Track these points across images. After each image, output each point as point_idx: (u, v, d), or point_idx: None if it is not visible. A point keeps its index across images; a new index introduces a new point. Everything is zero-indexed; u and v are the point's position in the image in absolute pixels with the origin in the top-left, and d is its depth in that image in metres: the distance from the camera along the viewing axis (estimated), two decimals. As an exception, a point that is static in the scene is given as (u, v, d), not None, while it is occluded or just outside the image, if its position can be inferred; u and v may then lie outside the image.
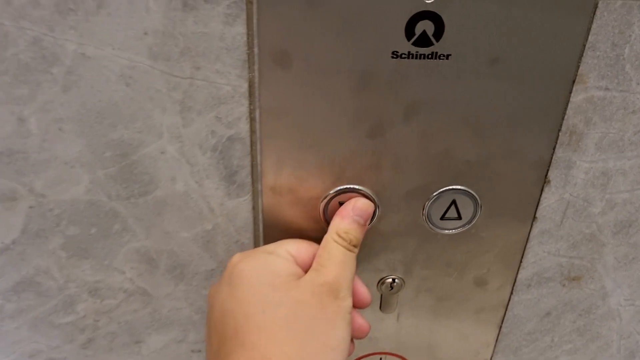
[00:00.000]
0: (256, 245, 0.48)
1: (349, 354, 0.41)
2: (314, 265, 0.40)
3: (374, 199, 0.45)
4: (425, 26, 0.39)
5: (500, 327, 0.55)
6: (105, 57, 0.39)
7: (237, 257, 0.40)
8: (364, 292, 0.43)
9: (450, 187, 0.45)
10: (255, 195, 0.46)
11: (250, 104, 0.41)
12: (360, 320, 0.43)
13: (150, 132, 0.42)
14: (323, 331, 0.36)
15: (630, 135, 0.44)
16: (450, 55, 0.40)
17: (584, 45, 0.40)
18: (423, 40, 0.39)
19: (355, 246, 0.41)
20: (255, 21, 0.38)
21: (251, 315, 0.36)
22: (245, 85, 0.41)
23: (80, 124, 0.41)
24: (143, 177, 0.44)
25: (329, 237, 0.41)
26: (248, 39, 0.39)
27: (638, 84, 0.42)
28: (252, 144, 0.43)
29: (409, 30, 0.39)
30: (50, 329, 0.52)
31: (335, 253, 0.40)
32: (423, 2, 0.37)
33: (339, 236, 0.41)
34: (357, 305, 0.43)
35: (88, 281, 0.49)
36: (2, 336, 0.52)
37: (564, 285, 0.52)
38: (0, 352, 0.53)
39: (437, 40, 0.39)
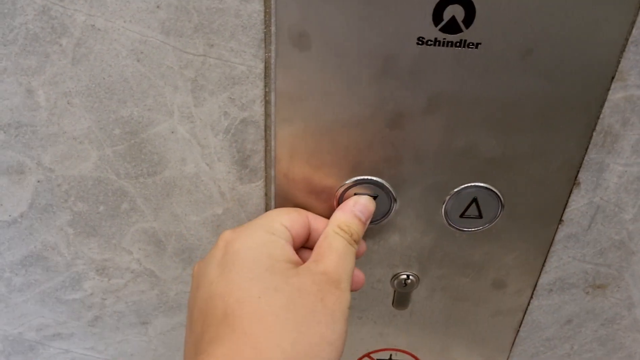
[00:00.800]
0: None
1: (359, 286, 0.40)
2: (313, 256, 0.38)
3: (391, 193, 0.43)
4: (455, 11, 0.36)
5: (518, 331, 0.52)
6: (116, 29, 0.37)
7: (229, 234, 0.38)
8: (357, 273, 0.41)
9: (472, 184, 0.43)
10: (268, 181, 0.44)
11: (265, 86, 0.39)
12: (358, 274, 0.41)
13: (161, 111, 0.40)
14: (322, 323, 0.34)
15: (670, 139, 0.41)
16: (480, 44, 0.37)
17: (627, 40, 0.37)
18: (452, 27, 0.36)
19: (355, 241, 0.39)
20: (273, -2, 0.36)
21: (245, 300, 0.33)
22: (261, 66, 0.39)
23: (90, 98, 0.40)
24: (152, 156, 0.42)
25: (330, 229, 0.39)
26: (265, 16, 0.37)
27: (683, 84, 0.39)
28: (267, 128, 0.41)
29: (437, 15, 0.36)
30: (57, 305, 0.51)
31: (336, 244, 0.38)
32: (454, -15, 0.35)
33: (341, 229, 0.39)
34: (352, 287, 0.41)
35: (96, 259, 0.48)
36: (10, 309, 0.51)
37: (587, 293, 0.50)
38: (7, 324, 0.52)
39: (467, 27, 0.36)
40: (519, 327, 0.52)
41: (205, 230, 0.46)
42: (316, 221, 0.41)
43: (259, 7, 0.36)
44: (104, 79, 0.39)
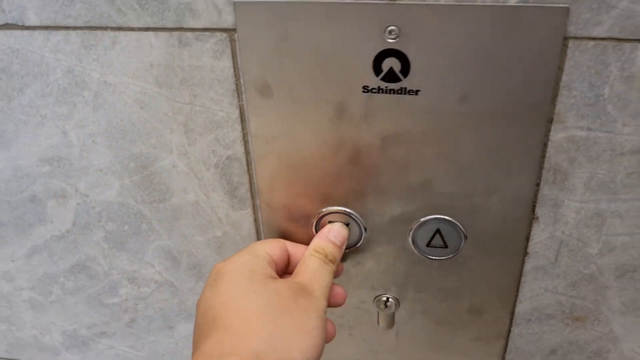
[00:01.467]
0: (261, 253, 0.53)
1: (329, 338, 0.45)
2: (293, 274, 0.44)
3: (360, 222, 0.48)
4: (392, 63, 0.41)
5: (504, 357, 0.54)
6: (122, 84, 0.46)
7: (219, 264, 0.45)
8: (339, 291, 0.46)
9: (434, 216, 0.47)
10: (256, 209, 0.50)
11: (242, 129, 0.46)
12: (338, 289, 0.47)
13: (163, 149, 0.49)
14: (295, 318, 0.39)
15: (622, 178, 0.42)
16: (419, 90, 0.41)
17: (558, 85, 0.40)
18: (391, 76, 0.41)
19: (331, 261, 0.45)
20: (238, 56, 0.43)
21: (228, 304, 0.40)
22: (237, 112, 0.46)
23: (109, 138, 0.49)
24: (161, 186, 0.51)
25: (307, 252, 0.45)
26: (234, 71, 0.44)
27: (624, 125, 0.40)
28: (248, 163, 0.48)
29: (377, 67, 0.41)
30: (100, 307, 0.61)
31: (310, 263, 0.44)
32: (386, 41, 0.40)
33: (316, 251, 0.45)
34: (332, 301, 0.46)
35: (127, 270, 0.57)
36: (66, 308, 0.62)
37: (567, 324, 0.51)
38: (65, 321, 0.63)
39: (405, 77, 0.41)
40: (504, 353, 0.54)
41: (210, 250, 0.54)
42: (295, 248, 0.47)
43: (228, 63, 0.44)
44: (117, 123, 0.48)
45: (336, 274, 0.48)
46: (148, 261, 0.56)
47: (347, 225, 0.48)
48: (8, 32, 0.45)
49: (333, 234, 0.47)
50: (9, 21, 0.45)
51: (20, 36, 0.45)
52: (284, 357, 0.37)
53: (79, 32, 0.44)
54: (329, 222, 0.49)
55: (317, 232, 0.49)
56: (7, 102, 0.49)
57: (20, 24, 0.45)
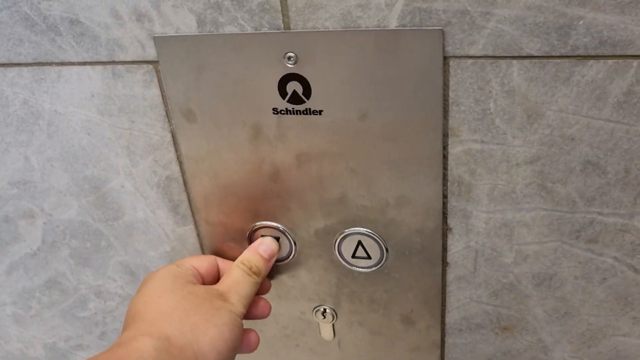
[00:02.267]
0: (208, 267, 0.56)
1: (252, 347, 0.49)
2: (217, 283, 0.48)
3: (289, 235, 0.51)
4: (295, 86, 0.44)
5: (441, 368, 0.55)
6: (70, 112, 0.51)
7: (148, 275, 0.49)
8: (263, 303, 0.50)
9: (354, 229, 0.49)
10: (197, 225, 0.54)
11: (176, 151, 0.50)
12: (262, 302, 0.50)
13: (111, 171, 0.53)
14: (208, 313, 0.43)
15: (522, 188, 0.44)
16: (322, 110, 0.45)
17: (447, 101, 0.42)
18: (295, 98, 0.45)
19: (255, 273, 0.48)
20: (163, 85, 0.47)
21: (148, 302, 0.44)
22: (169, 136, 0.50)
23: (64, 162, 0.54)
24: (113, 205, 0.55)
25: (234, 264, 0.49)
26: (163, 99, 0.48)
27: (514, 137, 0.42)
28: (185, 182, 0.52)
29: (282, 90, 0.44)
30: (74, 320, 0.65)
31: (233, 274, 0.47)
32: (286, 66, 0.43)
33: (242, 262, 0.48)
34: (257, 313, 0.50)
35: (92, 285, 0.62)
36: (45, 322, 0.67)
37: (497, 334, 0.52)
38: (44, 334, 0.68)
39: (308, 98, 0.44)
40: (442, 364, 0.55)
41: (163, 264, 0.58)
42: (225, 264, 0.51)
43: (157, 92, 0.48)
44: (69, 148, 0.53)
45: (263, 290, 0.52)
46: (110, 276, 0.60)
47: (278, 239, 0.51)
48: (-29, 70, 0.51)
49: (262, 248, 0.50)
50: (-29, 60, 0.51)
51: (-19, 73, 0.51)
52: (192, 342, 0.41)
53: (30, 67, 0.50)
54: (261, 236, 0.52)
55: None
56: (-23, 132, 0.55)
57: (-20, 62, 0.51)
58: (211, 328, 0.42)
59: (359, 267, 0.51)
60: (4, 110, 0.53)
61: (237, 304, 0.45)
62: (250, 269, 0.48)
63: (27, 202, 0.58)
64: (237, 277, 0.47)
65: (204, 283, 0.49)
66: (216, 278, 0.50)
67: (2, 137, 0.54)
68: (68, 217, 0.58)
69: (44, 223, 0.59)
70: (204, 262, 0.50)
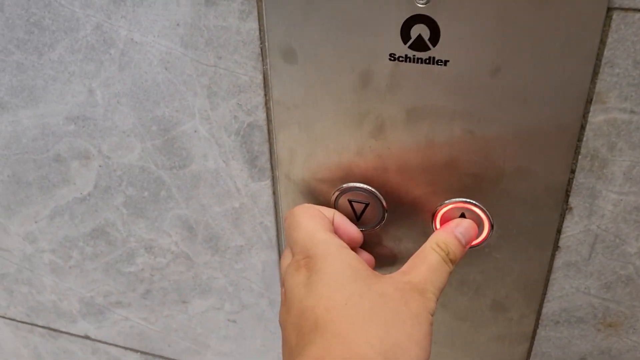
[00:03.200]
0: (279, 229, 0.51)
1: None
2: (404, 267, 0.40)
3: (381, 200, 0.46)
4: (421, 30, 0.39)
5: (527, 361, 0.51)
6: (148, 42, 0.45)
7: (309, 256, 0.40)
8: (367, 257, 0.45)
9: (458, 199, 0.44)
10: (275, 181, 0.49)
11: (265, 95, 0.45)
12: (366, 255, 0.45)
13: (185, 112, 0.48)
14: (407, 323, 0.35)
15: (666, 168, 0.39)
16: (448, 61, 0.39)
17: (600, 61, 0.37)
18: (419, 44, 0.39)
19: (452, 261, 0.41)
20: (264, 18, 0.42)
21: (333, 308, 0.36)
22: (260, 77, 0.44)
23: (133, 99, 0.49)
24: (181, 151, 0.50)
25: (427, 245, 0.41)
26: (260, 34, 0.43)
27: (671, 109, 0.37)
28: (270, 132, 0.47)
29: (405, 34, 0.39)
30: (117, 275, 0.60)
31: (429, 258, 0.39)
32: (416, 5, 0.38)
33: (438, 245, 0.40)
34: (349, 244, 0.43)
35: (144, 238, 0.57)
36: (84, 274, 0.62)
37: (599, 330, 0.47)
38: (83, 287, 0.63)
39: (434, 45, 0.39)
40: (528, 357, 0.50)
41: (227, 222, 0.52)
42: (342, 220, 0.45)
43: (254, 25, 0.42)
44: (142, 83, 0.47)
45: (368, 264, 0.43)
46: (165, 230, 0.55)
47: (368, 205, 0.46)
48: (41, -16, 0.46)
49: (460, 230, 0.42)
50: (43, -27, 0.45)
51: (53, -11, 0.46)
52: None
53: (109, -14, 0.44)
54: (348, 200, 0.47)
55: (336, 208, 0.47)
56: (38, 57, 0.49)
57: (52, -24, 0.45)
58: (414, 348, 0.34)
59: (459, 243, 0.46)
60: (72, 34, 0.47)
61: (433, 297, 0.38)
62: (447, 254, 0.40)
63: (84, 141, 0.52)
64: (434, 263, 0.39)
65: None
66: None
67: (66, 66, 0.49)
68: (128, 161, 0.52)
69: (100, 166, 0.53)
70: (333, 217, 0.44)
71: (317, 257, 0.39)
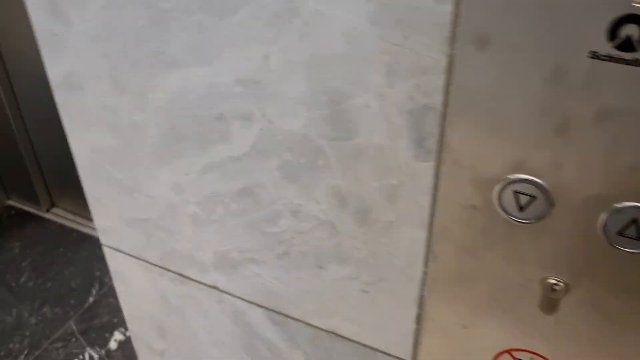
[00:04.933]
0: (434, 210, 0.52)
1: None
2: None
3: (550, 195, 0.45)
4: (632, 31, 0.38)
5: (672, 372, 0.50)
6: (335, 15, 0.46)
7: None
8: None
9: (633, 203, 0.43)
10: (439, 163, 0.49)
11: (447, 79, 0.45)
12: None
13: (360, 86, 0.49)
14: None
15: None
16: (656, 65, 0.38)
17: None
18: (627, 45, 0.38)
19: None
20: (463, 1, 0.41)
21: None
22: (445, 61, 0.44)
23: (309, 68, 0.50)
24: (348, 124, 0.51)
25: None
26: (454, 17, 0.42)
27: None
28: (444, 115, 0.47)
29: (612, 33, 0.38)
30: (258, 234, 0.63)
31: None
32: (630, 4, 0.37)
33: None
34: None
35: (292, 202, 0.58)
36: (225, 229, 0.65)
37: None
38: (221, 241, 0.66)
39: (643, 47, 0.38)
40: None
41: (380, 197, 0.54)
42: None
43: (450, 8, 0.42)
44: (321, 54, 0.48)
45: None
46: (315, 197, 0.57)
47: (534, 199, 0.46)
48: (237, -51, 0.47)
49: None
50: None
51: (248, -45, 0.47)
52: None
53: (306, -43, 0.45)
54: (514, 191, 0.47)
55: (499, 200, 0.47)
56: (219, 19, 0.51)
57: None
58: None
59: (623, 247, 0.45)
60: (259, 1, 0.48)
61: None
62: None
63: (250, 104, 0.54)
64: None
65: None
66: None
67: (248, 31, 0.50)
68: (290, 127, 0.54)
69: (261, 129, 0.55)
70: None
71: None
